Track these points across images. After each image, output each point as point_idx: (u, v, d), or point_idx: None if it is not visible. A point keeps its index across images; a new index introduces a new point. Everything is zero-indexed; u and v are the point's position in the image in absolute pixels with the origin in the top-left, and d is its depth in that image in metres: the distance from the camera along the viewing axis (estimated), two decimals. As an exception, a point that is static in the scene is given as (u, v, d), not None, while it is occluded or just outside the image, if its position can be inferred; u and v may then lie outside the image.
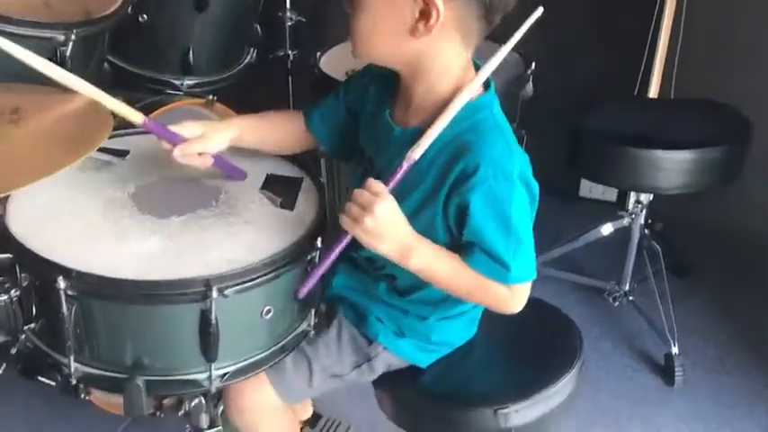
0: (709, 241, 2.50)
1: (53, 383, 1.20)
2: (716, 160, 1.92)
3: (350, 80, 1.37)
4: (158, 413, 1.52)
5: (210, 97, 1.83)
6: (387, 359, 1.30)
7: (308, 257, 1.17)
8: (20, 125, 1.12)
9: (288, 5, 2.43)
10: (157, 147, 1.25)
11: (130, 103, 1.22)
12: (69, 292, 1.07)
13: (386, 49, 1.14)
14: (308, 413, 1.67)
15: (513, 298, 1.16)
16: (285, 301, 1.18)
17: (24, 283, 1.12)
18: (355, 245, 1.11)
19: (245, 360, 1.18)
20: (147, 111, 1.63)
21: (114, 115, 1.18)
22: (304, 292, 1.14)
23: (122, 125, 1.23)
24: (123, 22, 1.64)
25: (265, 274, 1.11)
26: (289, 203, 1.26)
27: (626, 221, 2.19)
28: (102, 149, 1.22)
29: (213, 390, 1.16)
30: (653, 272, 2.17)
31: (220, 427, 1.39)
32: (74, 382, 1.15)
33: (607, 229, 2.24)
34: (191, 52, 1.97)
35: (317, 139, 1.37)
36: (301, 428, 1.64)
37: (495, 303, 1.19)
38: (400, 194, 1.12)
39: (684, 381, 2.01)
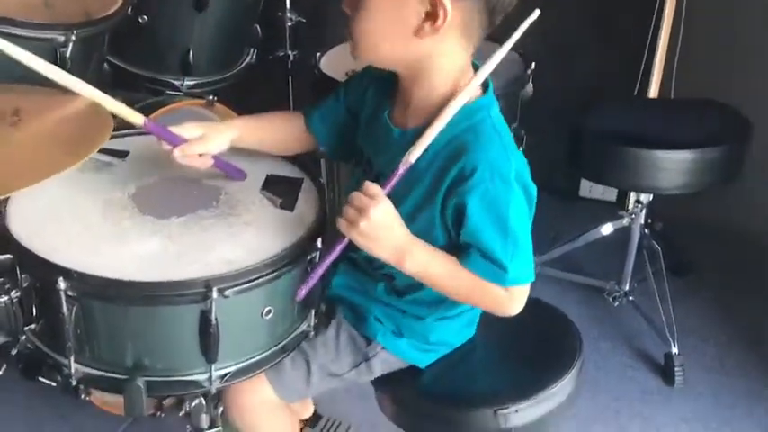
0: (709, 241, 2.50)
1: (54, 384, 1.21)
2: (716, 160, 1.92)
3: (350, 81, 1.37)
4: (159, 413, 1.52)
5: (210, 98, 1.83)
6: (385, 359, 1.30)
7: (309, 258, 1.17)
8: (20, 127, 1.12)
9: (288, 6, 2.43)
10: (157, 147, 1.26)
11: (130, 103, 1.22)
12: (70, 293, 1.07)
13: (389, 50, 1.13)
14: (308, 413, 1.67)
15: (511, 300, 1.17)
16: (285, 302, 1.18)
17: (25, 284, 1.12)
18: (353, 247, 1.12)
19: (245, 360, 1.18)
20: (147, 111, 1.63)
21: (114, 116, 1.18)
22: (302, 294, 1.14)
23: (122, 126, 1.23)
24: (123, 23, 1.64)
25: (265, 275, 1.11)
26: (289, 204, 1.26)
27: (626, 221, 2.19)
28: (102, 150, 1.22)
29: (213, 390, 1.16)
30: (653, 272, 2.17)
31: (221, 428, 1.39)
32: (74, 382, 1.15)
33: (607, 228, 2.24)
34: (190, 53, 1.97)
35: (316, 139, 1.37)
36: (302, 428, 1.64)
37: (492, 305, 1.19)
38: (398, 196, 1.13)
39: (684, 380, 2.02)
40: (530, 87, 1.89)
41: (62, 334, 1.10)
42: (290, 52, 2.47)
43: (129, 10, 1.66)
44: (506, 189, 1.10)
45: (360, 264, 1.31)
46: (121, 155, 1.36)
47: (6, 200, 1.18)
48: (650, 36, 2.41)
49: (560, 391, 1.29)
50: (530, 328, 1.34)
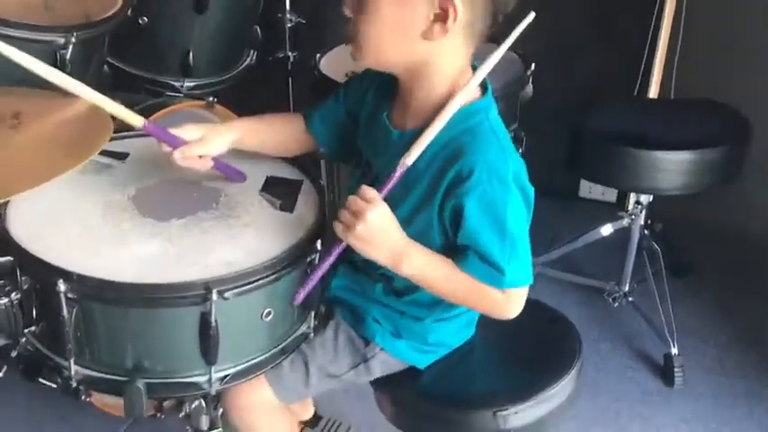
0: (709, 242, 2.50)
1: (54, 385, 1.21)
2: (715, 161, 1.92)
3: (350, 82, 1.37)
4: (159, 415, 1.52)
5: (210, 99, 1.84)
6: (384, 360, 1.30)
7: (308, 260, 1.17)
8: (20, 130, 1.12)
9: (288, 7, 2.43)
10: (157, 149, 1.26)
11: (130, 105, 1.22)
12: (70, 296, 1.07)
13: (394, 53, 1.13)
14: (309, 414, 1.67)
15: (509, 303, 1.17)
16: (285, 304, 1.18)
17: (25, 287, 1.12)
18: (351, 249, 1.12)
19: (244, 362, 1.18)
20: (147, 113, 1.64)
21: (114, 118, 1.18)
22: (301, 297, 1.15)
23: (122, 128, 1.23)
24: (123, 25, 1.64)
25: (265, 277, 1.11)
26: (288, 206, 1.26)
27: (625, 222, 2.19)
28: (102, 152, 1.22)
29: (213, 392, 1.17)
30: (652, 272, 2.17)
31: (221, 429, 1.40)
32: (74, 384, 1.15)
33: (607, 229, 2.24)
34: (190, 54, 1.98)
35: (316, 141, 1.37)
36: (302, 429, 1.64)
37: (490, 308, 1.19)
38: (396, 198, 1.13)
39: (684, 381, 2.02)
40: (529, 88, 1.89)
41: (62, 336, 1.10)
42: (289, 53, 2.47)
43: (129, 11, 1.66)
44: (504, 190, 1.10)
45: (358, 265, 1.31)
46: (121, 157, 1.36)
47: (6, 202, 1.18)
48: (650, 36, 2.41)
49: (560, 392, 1.29)
50: (529, 329, 1.34)
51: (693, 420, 1.93)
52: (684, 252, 2.42)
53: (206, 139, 1.26)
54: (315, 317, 1.27)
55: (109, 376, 1.14)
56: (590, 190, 2.77)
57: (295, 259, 1.15)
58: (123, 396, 1.12)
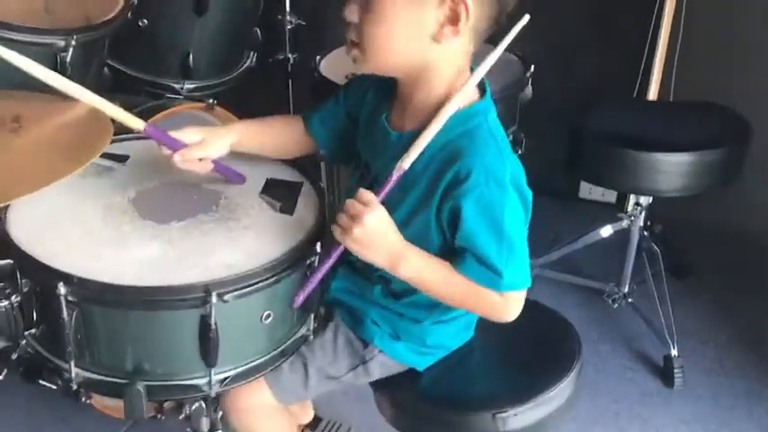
0: (709, 243, 2.50)
1: (54, 387, 1.21)
2: (715, 162, 1.92)
3: (350, 84, 1.37)
4: (159, 416, 1.53)
5: (211, 101, 1.84)
6: (383, 362, 1.30)
7: (308, 262, 1.17)
8: (21, 134, 1.12)
9: (288, 9, 2.43)
10: (157, 152, 1.27)
11: (131, 107, 1.22)
12: (70, 298, 1.07)
13: (402, 57, 1.12)
14: (309, 417, 1.67)
15: (506, 305, 1.17)
16: (284, 306, 1.18)
17: (25, 289, 1.12)
18: (349, 252, 1.12)
19: (244, 365, 1.18)
20: (147, 115, 1.65)
21: (114, 121, 1.18)
22: (300, 300, 1.15)
23: (122, 130, 1.24)
24: (123, 27, 1.64)
25: (265, 280, 1.12)
26: (288, 208, 1.27)
27: (625, 223, 2.19)
28: (102, 155, 1.22)
29: (213, 394, 1.17)
30: (652, 274, 2.17)
31: (221, 431, 1.40)
32: (74, 387, 1.15)
33: (606, 231, 2.24)
34: (191, 56, 1.98)
35: (316, 143, 1.38)
36: (302, 431, 1.65)
37: (488, 311, 1.19)
38: (394, 201, 1.13)
39: (684, 382, 2.02)
40: (529, 90, 1.90)
41: (62, 339, 1.11)
42: (289, 55, 2.47)
43: (130, 14, 1.66)
44: (501, 193, 1.10)
45: (357, 267, 1.32)
46: (122, 159, 1.36)
47: (7, 204, 1.18)
48: (650, 36, 2.41)
49: (559, 394, 1.29)
50: (528, 330, 1.34)
51: (693, 421, 1.94)
52: (684, 253, 2.42)
53: (206, 141, 1.26)
54: (314, 319, 1.27)
55: (109, 378, 1.14)
56: (590, 191, 2.77)
57: (295, 262, 1.15)
58: (123, 398, 1.12)
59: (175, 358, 1.14)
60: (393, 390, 1.32)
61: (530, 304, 1.20)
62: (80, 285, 1.06)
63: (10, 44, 1.18)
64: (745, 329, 2.22)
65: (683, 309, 2.17)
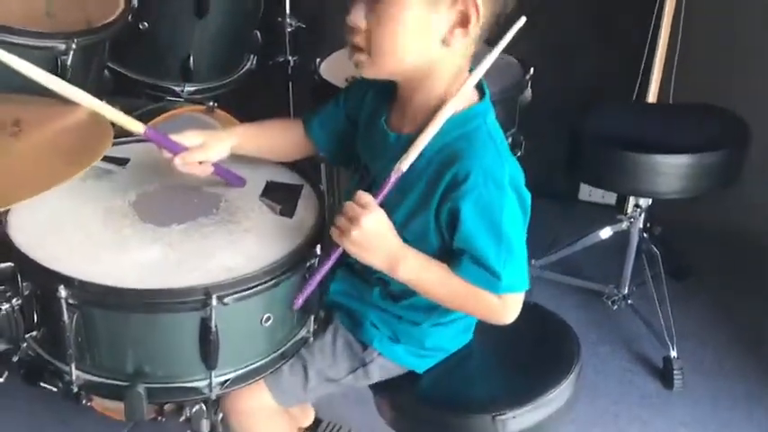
0: (708, 244, 2.50)
1: (55, 389, 1.21)
2: (714, 165, 1.92)
3: (350, 87, 1.38)
4: (159, 418, 1.53)
5: (211, 104, 1.84)
6: (382, 364, 1.31)
7: (308, 265, 1.18)
8: (21, 138, 1.13)
9: (288, 12, 2.43)
10: (158, 155, 1.27)
11: (131, 109, 1.23)
12: (70, 301, 1.07)
13: (411, 61, 1.12)
14: (309, 420, 1.68)
15: (505, 308, 1.17)
16: (284, 309, 1.18)
17: (26, 292, 1.13)
18: (348, 254, 1.13)
19: (244, 367, 1.18)
20: (147, 118, 1.65)
21: (114, 125, 1.19)
22: (299, 302, 1.15)
23: (123, 133, 1.24)
24: (124, 30, 1.64)
25: (265, 282, 1.12)
26: (288, 211, 1.27)
27: (625, 225, 2.19)
28: (103, 158, 1.23)
29: (213, 397, 1.17)
30: (651, 275, 2.17)
31: (221, 433, 1.40)
32: (75, 389, 1.16)
33: (606, 232, 2.25)
34: (191, 59, 1.98)
35: (316, 146, 1.38)
36: (302, 433, 1.65)
37: (486, 313, 1.20)
38: (393, 202, 1.14)
39: (683, 384, 2.02)
40: (528, 93, 1.90)
41: (63, 341, 1.11)
42: (290, 58, 2.48)
43: (130, 17, 1.67)
44: (500, 194, 1.10)
45: (356, 269, 1.32)
46: (122, 162, 1.36)
47: (7, 208, 1.18)
48: (650, 37, 2.41)
49: (558, 396, 1.29)
50: (528, 333, 1.35)
51: (693, 423, 1.94)
52: (683, 255, 2.43)
53: (206, 145, 1.26)
54: (314, 321, 1.28)
55: (110, 381, 1.15)
56: (590, 193, 2.77)
57: (295, 264, 1.16)
58: (124, 401, 1.13)
59: (176, 361, 1.14)
60: (393, 392, 1.32)
61: (529, 306, 1.21)
62: (81, 288, 1.07)
63: (11, 47, 1.19)
64: (745, 331, 2.22)
65: (682, 310, 2.17)
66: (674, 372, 2.02)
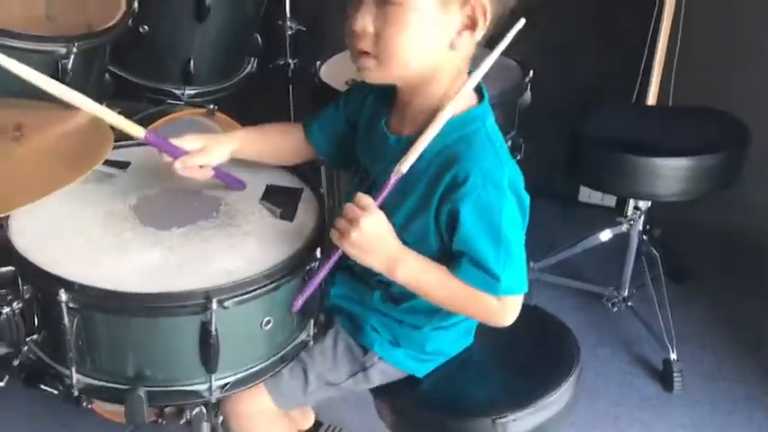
0: (708, 246, 2.51)
1: (55, 392, 1.22)
2: (713, 167, 1.92)
3: (350, 91, 1.38)
4: (160, 420, 1.53)
5: (211, 107, 1.85)
6: (383, 369, 1.31)
7: (307, 268, 1.18)
8: (22, 142, 1.13)
9: (288, 15, 2.43)
10: (158, 158, 1.27)
11: (132, 113, 1.23)
12: (71, 305, 1.08)
13: (418, 65, 1.11)
14: (309, 422, 1.68)
15: (504, 310, 1.17)
16: (284, 312, 1.19)
17: (27, 296, 1.13)
18: (348, 256, 1.13)
19: (244, 370, 1.19)
20: (148, 121, 1.65)
21: (115, 129, 1.19)
22: (299, 304, 1.15)
23: (124, 137, 1.24)
24: (124, 34, 1.65)
25: (265, 286, 1.12)
26: (288, 214, 1.27)
27: (624, 227, 2.20)
28: (103, 162, 1.23)
29: (213, 400, 1.17)
30: (651, 278, 2.17)
31: (221, 436, 1.40)
32: (76, 392, 1.16)
33: (606, 235, 2.25)
34: (191, 62, 1.99)
35: (316, 150, 1.38)
36: (301, 438, 1.65)
37: (485, 315, 1.20)
38: (392, 204, 1.14)
39: (683, 386, 2.02)
40: (527, 95, 1.90)
41: (63, 345, 1.11)
42: (290, 61, 2.48)
43: (131, 21, 1.67)
44: (499, 196, 1.11)
45: (357, 272, 1.32)
46: (123, 166, 1.37)
47: (8, 212, 1.19)
48: (650, 37, 2.41)
49: (558, 399, 1.29)
50: (527, 336, 1.35)
51: (692, 426, 1.94)
52: (683, 257, 2.43)
53: (207, 149, 1.27)
54: (314, 325, 1.28)
55: (110, 384, 1.15)
56: (589, 195, 2.77)
57: (295, 268, 1.16)
58: (124, 404, 1.13)
59: (176, 364, 1.14)
60: (393, 396, 1.32)
61: (528, 309, 1.21)
62: (81, 292, 1.07)
63: (11, 51, 1.20)
64: (745, 334, 2.22)
65: (682, 313, 2.17)
66: (674, 374, 2.02)
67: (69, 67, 1.47)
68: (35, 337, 1.17)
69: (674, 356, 2.03)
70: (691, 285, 2.38)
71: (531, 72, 1.89)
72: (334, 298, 1.34)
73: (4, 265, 1.13)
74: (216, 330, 1.10)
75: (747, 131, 1.99)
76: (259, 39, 2.19)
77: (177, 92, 2.01)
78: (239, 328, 1.14)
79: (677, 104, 2.45)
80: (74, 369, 1.14)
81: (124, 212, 1.24)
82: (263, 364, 1.20)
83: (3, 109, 1.24)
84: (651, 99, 2.39)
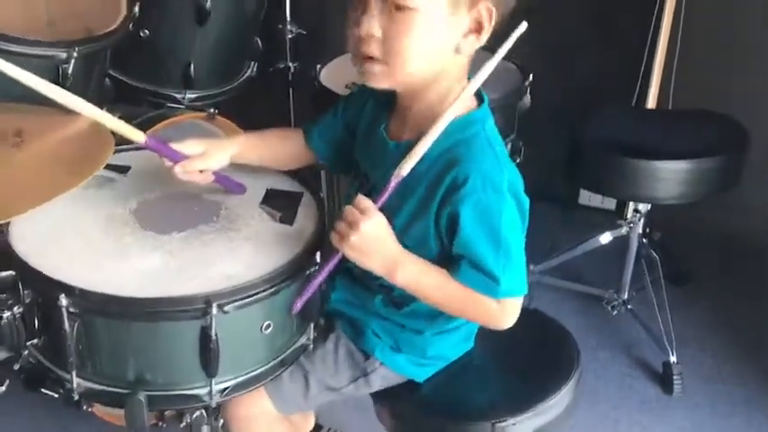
0: (707, 249, 2.51)
1: (56, 395, 1.22)
2: (713, 170, 1.93)
3: (350, 96, 1.38)
4: (160, 423, 1.53)
5: (212, 110, 1.85)
6: (383, 374, 1.31)
7: (307, 273, 1.18)
8: (23, 148, 1.13)
9: (288, 18, 2.44)
10: (159, 162, 1.28)
11: (133, 117, 1.23)
12: (71, 310, 1.08)
13: (426, 70, 1.12)
14: (309, 425, 1.67)
15: (503, 313, 1.17)
16: (284, 316, 1.19)
17: (27, 300, 1.13)
18: (347, 259, 1.13)
19: (245, 374, 1.19)
20: (148, 125, 1.66)
21: (115, 134, 1.19)
22: (298, 306, 1.16)
23: (124, 141, 1.25)
24: (125, 38, 1.65)
25: (265, 290, 1.12)
26: (288, 218, 1.28)
27: (624, 230, 2.20)
28: (104, 166, 1.23)
29: (214, 404, 1.18)
30: (651, 281, 2.17)
31: (222, 439, 1.41)
32: (76, 396, 1.16)
33: (606, 237, 2.25)
34: (192, 66, 1.99)
35: (316, 155, 1.39)
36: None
37: (485, 318, 1.20)
38: (393, 208, 1.14)
39: (683, 389, 2.02)
40: (527, 99, 1.90)
41: (64, 349, 1.12)
42: (290, 64, 2.48)
43: (131, 25, 1.67)
44: (499, 199, 1.11)
45: (357, 277, 1.32)
46: (123, 170, 1.37)
47: (9, 216, 1.19)
48: (650, 37, 2.41)
49: (558, 403, 1.29)
50: (527, 339, 1.35)
51: (692, 428, 1.94)
52: (683, 260, 2.43)
53: (207, 153, 1.27)
54: (314, 328, 1.28)
55: (110, 389, 1.15)
56: (589, 198, 2.77)
57: (294, 272, 1.16)
58: (125, 408, 1.13)
59: (176, 368, 1.14)
60: (393, 401, 1.32)
61: (528, 313, 1.21)
62: (81, 297, 1.07)
63: (12, 56, 1.20)
64: (744, 337, 2.22)
65: (682, 315, 2.17)
66: (674, 377, 2.02)
67: (70, 71, 1.47)
68: (35, 341, 1.17)
69: (673, 359, 2.04)
70: (690, 288, 2.39)
71: (531, 76, 1.89)
72: (334, 302, 1.34)
73: (5, 270, 1.13)
74: (216, 335, 1.10)
75: (747, 135, 2.00)
76: (259, 42, 2.20)
77: (178, 96, 2.01)
78: (239, 333, 1.15)
79: (677, 106, 2.45)
80: (74, 373, 1.14)
81: (124, 217, 1.25)
82: (263, 368, 1.20)
83: (3, 114, 1.24)
84: (651, 101, 2.39)
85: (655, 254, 2.20)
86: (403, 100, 1.21)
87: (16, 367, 1.19)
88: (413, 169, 1.11)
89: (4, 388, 1.24)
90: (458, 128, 1.13)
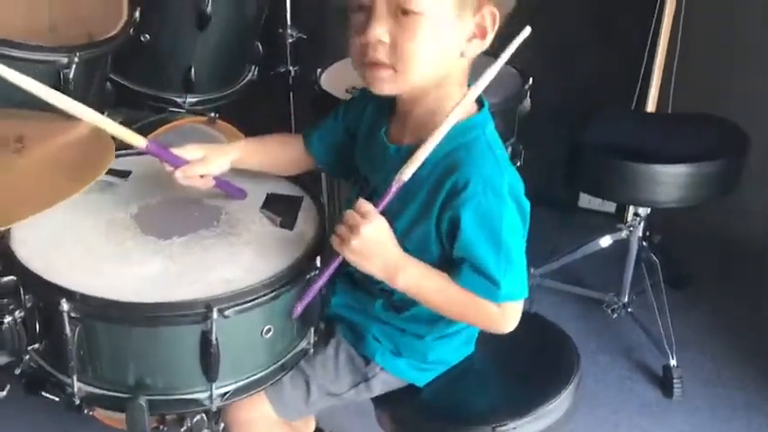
0: (707, 252, 2.51)
1: (57, 399, 1.22)
2: (713, 174, 1.93)
3: (350, 101, 1.39)
4: (161, 427, 1.54)
5: (212, 114, 1.85)
6: (384, 378, 1.31)
7: (307, 277, 1.18)
8: (24, 154, 1.13)
9: (289, 22, 2.45)
10: (159, 167, 1.28)
11: (134, 121, 1.23)
12: (72, 315, 1.08)
13: (433, 74, 1.12)
14: (310, 429, 1.68)
15: (504, 317, 1.17)
16: (285, 321, 1.19)
17: (28, 305, 1.14)
18: (348, 263, 1.13)
19: (245, 379, 1.19)
20: (149, 129, 1.66)
21: (116, 139, 1.20)
22: (299, 310, 1.16)
23: (125, 146, 1.25)
24: (126, 43, 1.66)
25: (265, 295, 1.13)
26: (289, 223, 1.28)
27: (624, 234, 2.20)
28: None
29: (214, 409, 1.18)
30: (651, 284, 2.18)
31: (222, 443, 1.41)
32: (77, 401, 1.16)
33: (606, 241, 2.25)
34: (192, 70, 1.99)
35: (316, 160, 1.39)
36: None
37: (486, 322, 1.20)
38: (394, 212, 1.14)
39: (683, 393, 2.02)
40: (527, 103, 1.91)
41: (65, 354, 1.12)
42: (290, 68, 2.48)
43: (132, 30, 1.68)
44: (499, 203, 1.11)
45: (358, 281, 1.32)
46: (124, 175, 1.37)
47: (10, 221, 1.19)
48: (650, 38, 2.41)
49: (558, 407, 1.29)
50: (527, 343, 1.35)
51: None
52: (683, 264, 2.43)
53: (207, 158, 1.28)
54: (314, 333, 1.28)
55: (111, 393, 1.15)
56: (590, 201, 2.77)
57: (295, 277, 1.16)
58: (126, 413, 1.13)
59: (177, 373, 1.15)
60: (393, 405, 1.32)
61: (528, 317, 1.21)
62: (82, 302, 1.07)
63: (13, 61, 1.20)
64: (744, 340, 2.23)
65: (682, 319, 2.17)
66: (674, 380, 2.02)
67: (71, 76, 1.48)
68: (37, 345, 1.18)
69: (673, 363, 2.04)
70: (690, 292, 2.39)
71: (531, 80, 1.89)
72: (335, 307, 1.35)
73: (6, 275, 1.13)
74: (216, 339, 1.10)
75: (747, 138, 2.00)
76: (260, 46, 2.20)
77: (178, 100, 2.02)
78: (240, 337, 1.15)
79: (677, 108, 2.46)
80: (75, 378, 1.14)
81: (125, 221, 1.25)
82: (263, 373, 1.21)
83: (4, 120, 1.25)
84: (651, 103, 2.39)
85: (655, 257, 2.20)
86: (403, 104, 1.21)
87: (17, 372, 1.20)
88: (414, 173, 1.12)
89: (5, 392, 1.25)
90: (458, 132, 1.13)
